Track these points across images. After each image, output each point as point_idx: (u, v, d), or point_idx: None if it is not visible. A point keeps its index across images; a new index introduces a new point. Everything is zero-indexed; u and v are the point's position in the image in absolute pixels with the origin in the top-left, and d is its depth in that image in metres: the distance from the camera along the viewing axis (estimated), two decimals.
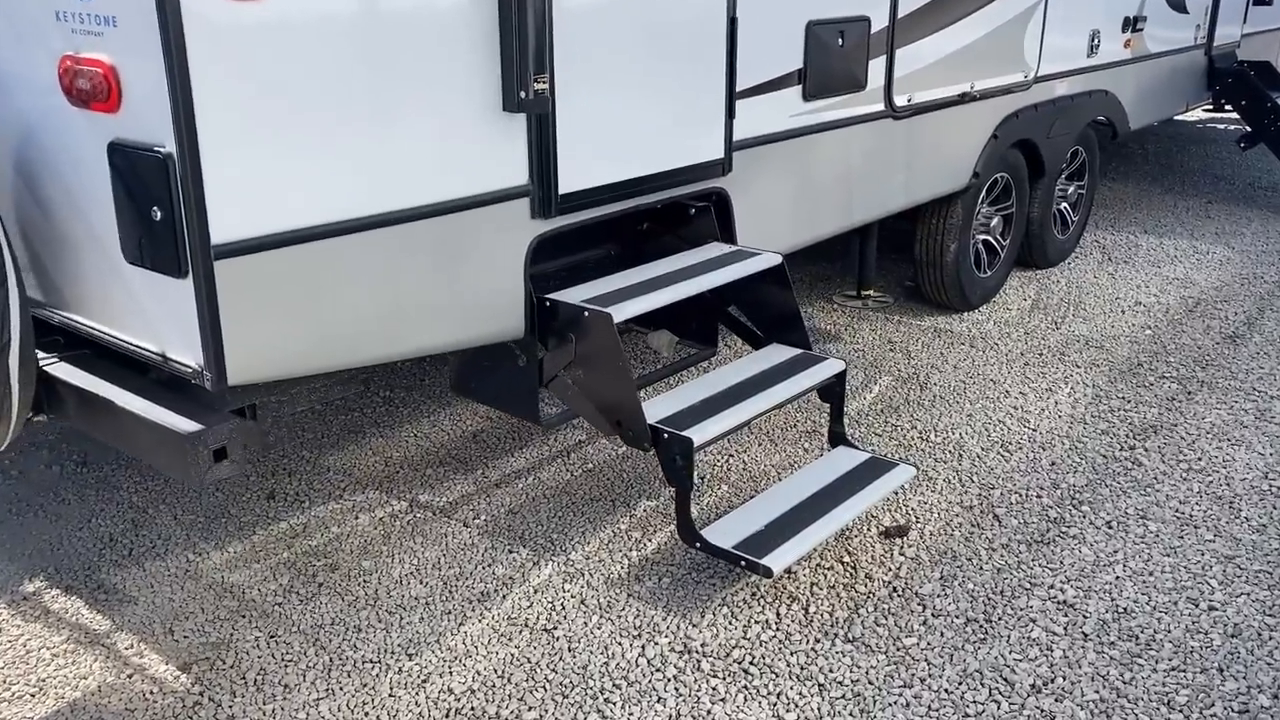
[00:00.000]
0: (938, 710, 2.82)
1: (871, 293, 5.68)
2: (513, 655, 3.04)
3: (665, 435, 3.10)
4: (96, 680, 2.95)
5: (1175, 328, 5.40)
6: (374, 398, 4.65)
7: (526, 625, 3.16)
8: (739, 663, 2.99)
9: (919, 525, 3.64)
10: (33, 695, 2.90)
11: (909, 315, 5.57)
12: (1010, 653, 3.03)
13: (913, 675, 2.95)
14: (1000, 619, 3.17)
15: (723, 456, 4.10)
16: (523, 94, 2.90)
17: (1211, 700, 2.84)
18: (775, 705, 2.84)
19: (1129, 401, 4.58)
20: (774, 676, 2.94)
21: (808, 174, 4.17)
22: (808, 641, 3.07)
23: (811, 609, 3.21)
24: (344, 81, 2.59)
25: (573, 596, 3.29)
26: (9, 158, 2.81)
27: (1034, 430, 4.33)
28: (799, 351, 3.68)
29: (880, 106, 4.45)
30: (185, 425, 2.59)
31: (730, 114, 3.66)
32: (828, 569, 3.39)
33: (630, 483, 3.92)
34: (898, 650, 3.04)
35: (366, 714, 2.83)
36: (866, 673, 2.96)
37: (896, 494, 3.79)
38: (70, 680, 2.96)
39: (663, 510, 3.71)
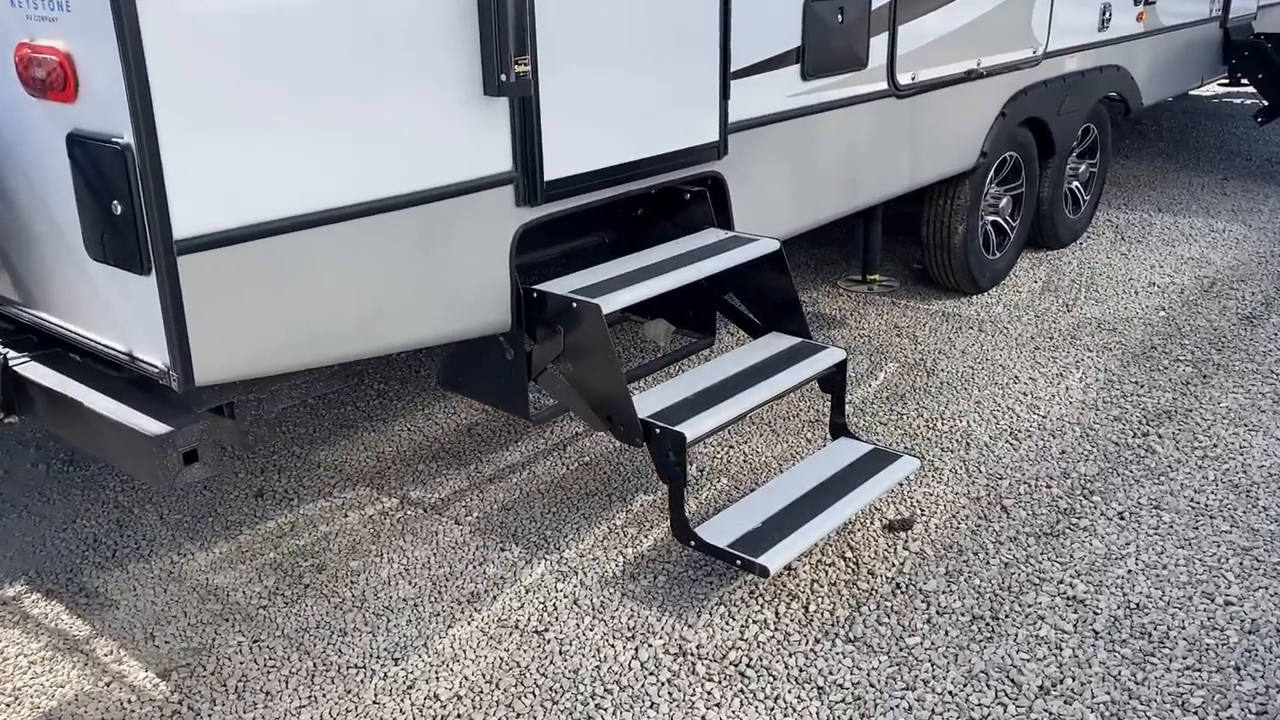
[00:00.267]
0: (941, 714, 2.71)
1: (877, 277, 5.55)
2: (501, 659, 2.94)
3: (657, 430, 2.99)
4: (74, 689, 2.87)
5: (1190, 309, 5.25)
6: (367, 391, 4.56)
7: (517, 627, 3.07)
8: (735, 665, 2.89)
9: (924, 518, 3.53)
10: (7, 705, 2.82)
11: (916, 299, 5.44)
12: (1017, 652, 2.91)
13: (915, 677, 2.84)
14: (1007, 616, 3.05)
15: (723, 448, 3.99)
16: (503, 77, 2.78)
17: (1228, 701, 2.73)
18: (772, 710, 2.74)
19: (1142, 386, 4.45)
20: (771, 679, 2.84)
21: (807, 156, 4.04)
22: (807, 642, 2.97)
23: (812, 607, 3.10)
24: (313, 66, 2.48)
25: (565, 596, 3.19)
26: None
27: (1044, 417, 4.20)
28: (798, 340, 3.56)
29: (883, 85, 4.31)
30: (153, 427, 2.49)
31: (725, 95, 3.53)
32: (829, 565, 3.28)
33: (627, 476, 3.81)
34: (900, 650, 2.93)
35: None
36: (868, 674, 2.85)
37: (901, 486, 3.68)
38: (47, 689, 2.87)
39: (660, 505, 3.60)
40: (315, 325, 2.62)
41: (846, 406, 3.70)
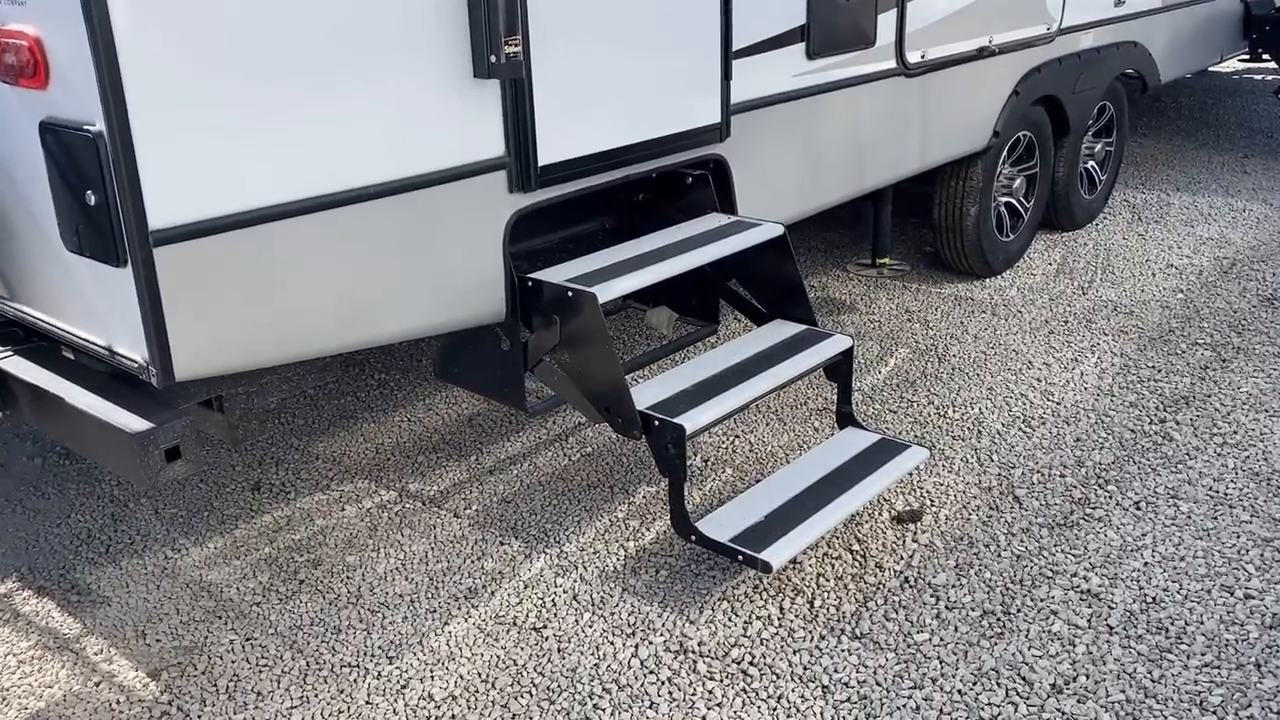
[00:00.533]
0: (950, 713, 2.63)
1: (888, 260, 5.44)
2: (498, 657, 2.87)
3: (656, 422, 2.91)
4: (62, 689, 2.82)
5: (1209, 291, 5.13)
6: (368, 381, 4.49)
7: (514, 624, 2.99)
8: (738, 663, 2.81)
9: (934, 509, 3.43)
10: None
11: (927, 283, 5.33)
12: (1029, 649, 2.82)
13: (923, 675, 2.75)
14: (1019, 611, 2.96)
15: (727, 438, 3.90)
16: (493, 58, 2.69)
17: (1248, 700, 2.63)
18: (775, 710, 2.66)
19: (1159, 371, 4.33)
20: (775, 678, 2.76)
21: (813, 138, 3.93)
22: (812, 639, 2.89)
23: (817, 602, 3.02)
24: (292, 48, 2.39)
25: (564, 592, 3.11)
26: None
27: (1058, 403, 4.09)
28: (803, 328, 3.46)
29: (891, 64, 4.19)
30: (134, 423, 2.42)
31: (727, 75, 3.43)
32: (835, 558, 3.19)
33: (630, 468, 3.73)
34: (908, 647, 2.85)
35: None
36: (874, 672, 2.76)
37: (910, 476, 3.58)
38: (35, 689, 2.82)
39: (663, 497, 3.52)
40: (300, 317, 2.55)
41: (854, 394, 3.62)
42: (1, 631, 3.04)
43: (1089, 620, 2.92)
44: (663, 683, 2.76)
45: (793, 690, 2.72)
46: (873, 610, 2.98)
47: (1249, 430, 3.85)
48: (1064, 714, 2.61)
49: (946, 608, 2.99)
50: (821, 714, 2.64)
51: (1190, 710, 2.61)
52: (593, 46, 3.01)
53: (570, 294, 2.94)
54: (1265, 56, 7.60)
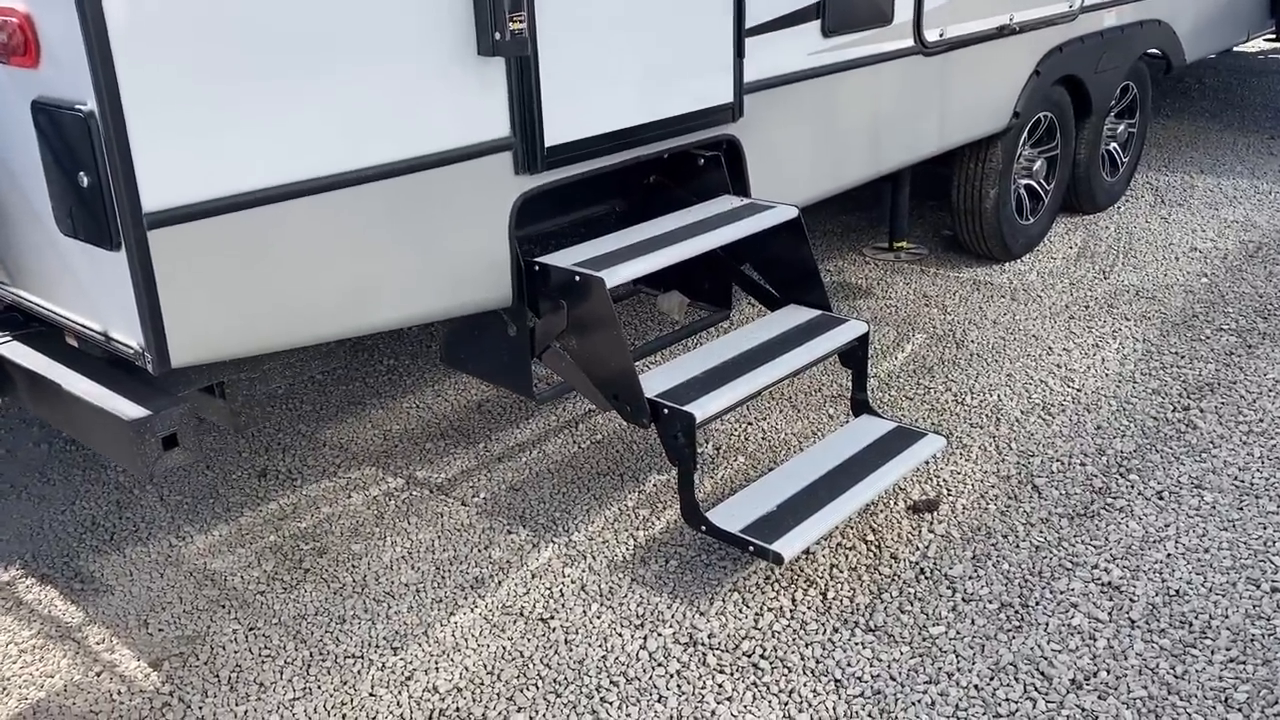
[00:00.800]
0: (966, 709, 2.56)
1: (905, 244, 5.35)
2: (504, 648, 2.81)
3: (665, 410, 2.84)
4: (63, 679, 2.78)
5: (1234, 275, 5.01)
6: (377, 366, 4.43)
7: (521, 614, 2.94)
8: (748, 656, 2.75)
9: (950, 498, 3.36)
10: None
11: (945, 267, 5.23)
12: (1048, 643, 2.75)
13: (939, 669, 2.68)
14: (1038, 604, 2.89)
15: (740, 425, 3.83)
16: (498, 35, 2.62)
17: (1275, 697, 2.55)
18: (786, 705, 2.60)
19: (1183, 357, 4.23)
20: (786, 671, 2.69)
21: (829, 118, 3.84)
22: (825, 631, 2.82)
23: (830, 594, 2.95)
24: (290, 25, 2.32)
25: (572, 582, 3.06)
26: None
27: (1078, 390, 4.00)
28: (818, 313, 3.39)
29: (909, 42, 4.10)
30: (131, 410, 2.38)
31: (740, 53, 3.34)
32: (849, 549, 3.12)
33: (640, 455, 3.67)
34: (923, 641, 2.78)
35: (344, 716, 2.63)
36: (888, 666, 2.70)
37: (926, 464, 3.50)
38: (35, 679, 2.78)
39: (673, 485, 3.46)
40: (299, 302, 2.49)
41: (870, 381, 3.55)
42: (4, 620, 3.01)
43: (1110, 614, 2.84)
44: (671, 675, 2.70)
45: (805, 684, 2.65)
46: (887, 602, 2.91)
47: (1275, 418, 3.76)
48: (1084, 710, 2.54)
49: (963, 600, 2.92)
50: (834, 709, 2.58)
51: (1215, 708, 2.53)
52: (600, 23, 2.93)
53: (578, 278, 2.87)
54: None
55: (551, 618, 2.92)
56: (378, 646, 2.85)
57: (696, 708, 2.60)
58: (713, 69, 3.30)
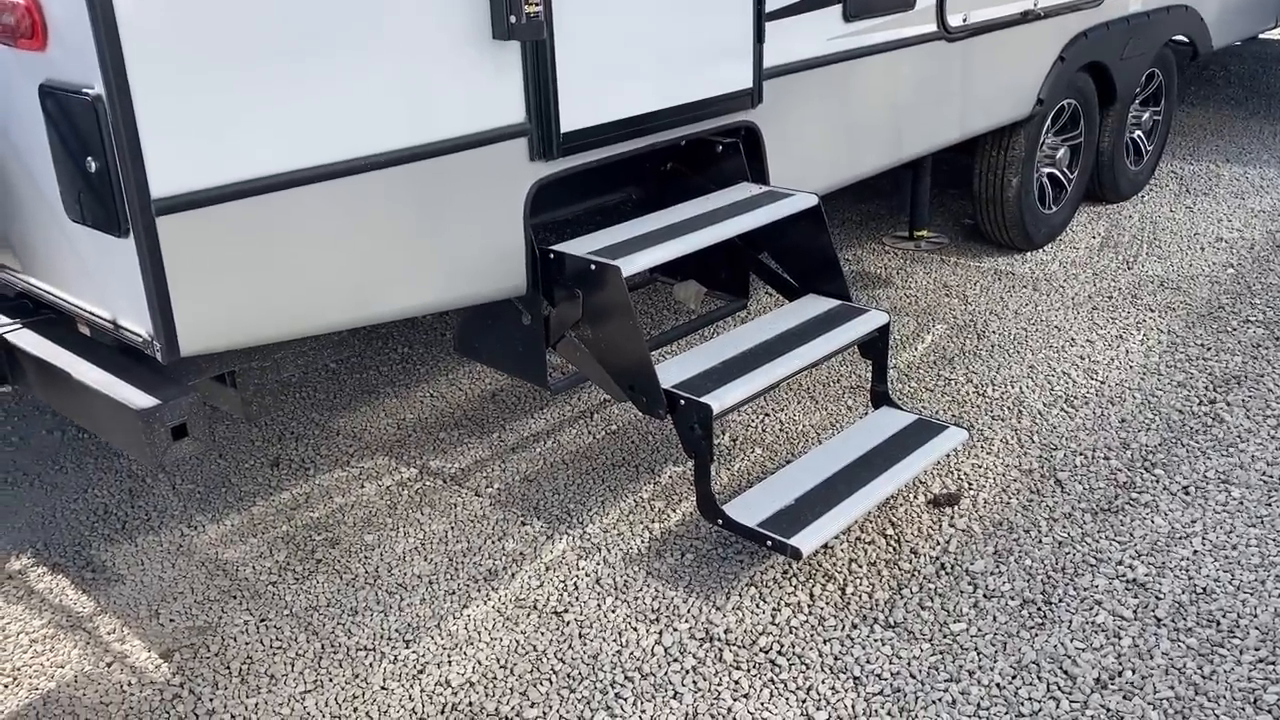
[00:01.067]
0: (988, 708, 2.51)
1: (925, 233, 5.28)
2: (518, 642, 2.78)
3: (682, 401, 2.79)
4: (73, 669, 2.76)
5: (1261, 265, 4.93)
6: (390, 355, 4.40)
7: (535, 608, 2.90)
8: (765, 652, 2.70)
9: (971, 492, 3.30)
10: (5, 686, 2.71)
11: (966, 256, 5.16)
12: (1072, 641, 2.70)
13: (960, 667, 2.63)
14: (1061, 601, 2.83)
15: (757, 416, 3.78)
16: (513, 18, 2.57)
17: None
18: (804, 702, 2.55)
19: (1209, 349, 4.16)
20: (804, 668, 2.65)
21: (849, 104, 3.78)
22: (843, 627, 2.77)
23: (849, 589, 2.90)
24: (302, 7, 2.28)
25: (587, 575, 3.02)
26: None
27: (1102, 383, 3.94)
28: (837, 303, 3.33)
29: (932, 27, 4.02)
30: (140, 399, 2.34)
31: (759, 37, 3.28)
32: (868, 543, 3.07)
33: (656, 446, 3.62)
34: (944, 638, 2.72)
35: (355, 709, 2.59)
36: (908, 664, 2.65)
37: (947, 457, 3.44)
38: (46, 669, 2.76)
39: (689, 477, 3.41)
40: (310, 290, 2.45)
41: (890, 372, 3.49)
42: (15, 609, 2.99)
43: (1135, 611, 2.78)
44: (687, 671, 2.66)
45: (823, 681, 2.61)
46: (907, 598, 2.86)
47: None
48: (1109, 710, 2.49)
49: (985, 596, 2.86)
50: (853, 707, 2.53)
51: (1244, 709, 2.47)
52: (618, 6, 2.87)
53: (594, 267, 2.82)
54: None
55: (565, 611, 2.88)
56: (390, 639, 2.82)
57: (712, 704, 2.55)
58: (732, 54, 3.24)
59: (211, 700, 2.64)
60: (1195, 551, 3.01)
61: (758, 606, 2.85)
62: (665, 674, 2.65)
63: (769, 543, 2.75)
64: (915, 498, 3.27)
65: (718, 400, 2.77)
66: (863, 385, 3.93)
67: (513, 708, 2.57)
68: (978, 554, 3.02)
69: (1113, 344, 4.23)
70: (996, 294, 4.73)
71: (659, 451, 3.59)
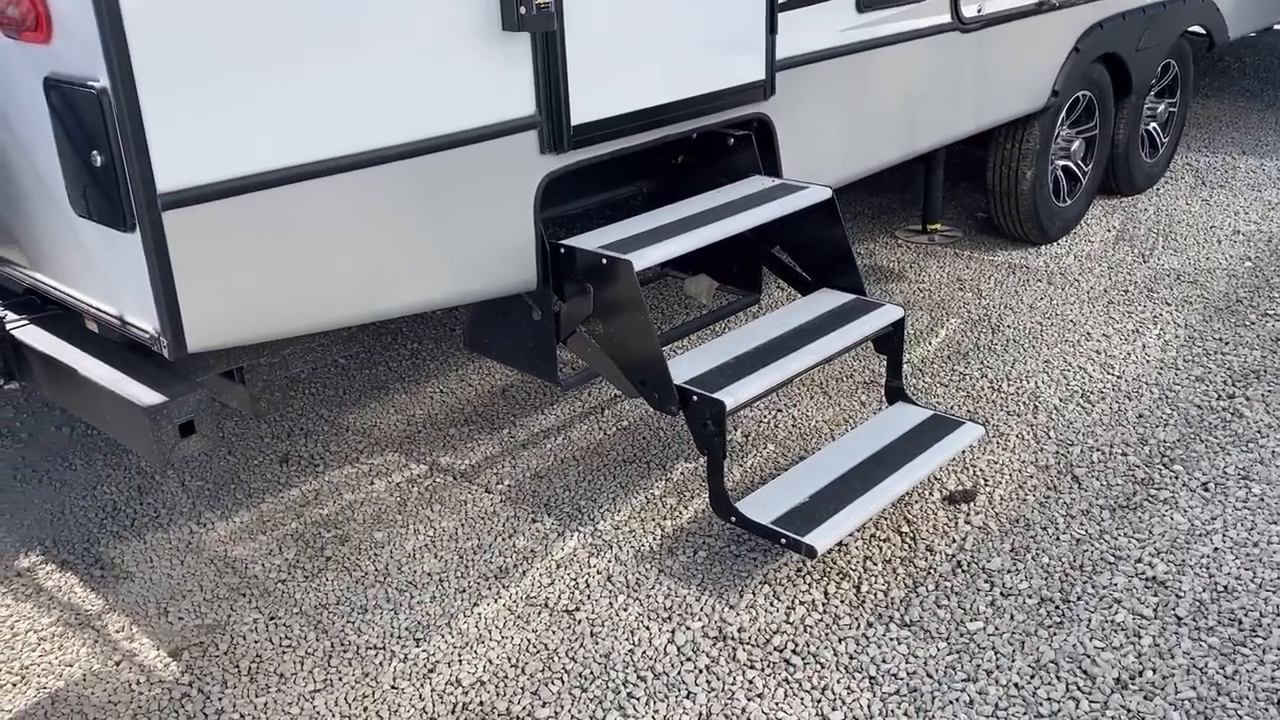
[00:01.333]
0: (1006, 709, 2.47)
1: (939, 226, 5.22)
2: (529, 641, 2.75)
3: (695, 398, 2.76)
4: (82, 668, 2.74)
5: (1279, 259, 4.87)
6: (400, 350, 4.37)
7: (546, 606, 2.87)
8: (779, 651, 2.67)
9: (988, 489, 3.26)
10: (14, 684, 2.69)
11: (980, 250, 5.11)
12: (1091, 640, 2.66)
13: (977, 667, 2.59)
14: (1079, 599, 2.79)
15: (770, 412, 3.74)
16: (523, 9, 2.53)
17: None
18: (819, 702, 2.52)
19: (1227, 343, 4.11)
20: (819, 668, 2.61)
21: (862, 96, 3.73)
22: (858, 626, 2.74)
23: (864, 587, 2.87)
24: None
25: (598, 573, 2.99)
26: None
27: (1119, 378, 3.89)
28: (851, 297, 3.29)
29: (946, 18, 3.98)
30: (147, 396, 2.32)
31: (772, 29, 3.24)
32: (883, 540, 3.03)
33: (668, 442, 3.59)
34: (961, 636, 2.69)
35: (365, 709, 2.57)
36: (925, 663, 2.61)
37: (963, 454, 3.40)
38: (54, 668, 2.74)
39: (702, 474, 3.38)
40: (319, 286, 2.42)
41: (904, 367, 3.44)
42: (24, 607, 2.97)
43: (1155, 610, 2.74)
44: (700, 671, 2.63)
45: (838, 681, 2.57)
46: (923, 596, 2.83)
47: None
48: (1129, 711, 2.45)
49: (1001, 594, 2.82)
50: (868, 707, 2.50)
51: (1267, 709, 2.43)
52: None
53: (605, 261, 2.79)
54: None
55: (577, 609, 2.85)
56: (400, 638, 2.79)
57: (726, 704, 2.52)
58: (744, 46, 3.20)
59: (220, 699, 2.62)
60: (1216, 549, 2.96)
61: (771, 605, 2.82)
62: (678, 673, 2.62)
63: (783, 540, 2.71)
64: (931, 494, 3.23)
65: (731, 396, 2.74)
66: (876, 380, 3.89)
67: (524, 707, 2.55)
68: (994, 551, 2.98)
69: (1129, 338, 4.18)
70: (1011, 288, 4.68)
71: (670, 448, 3.56)
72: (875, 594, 2.84)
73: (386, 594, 2.95)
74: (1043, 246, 5.11)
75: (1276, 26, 7.44)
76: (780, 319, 3.19)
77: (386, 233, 2.49)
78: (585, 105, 2.79)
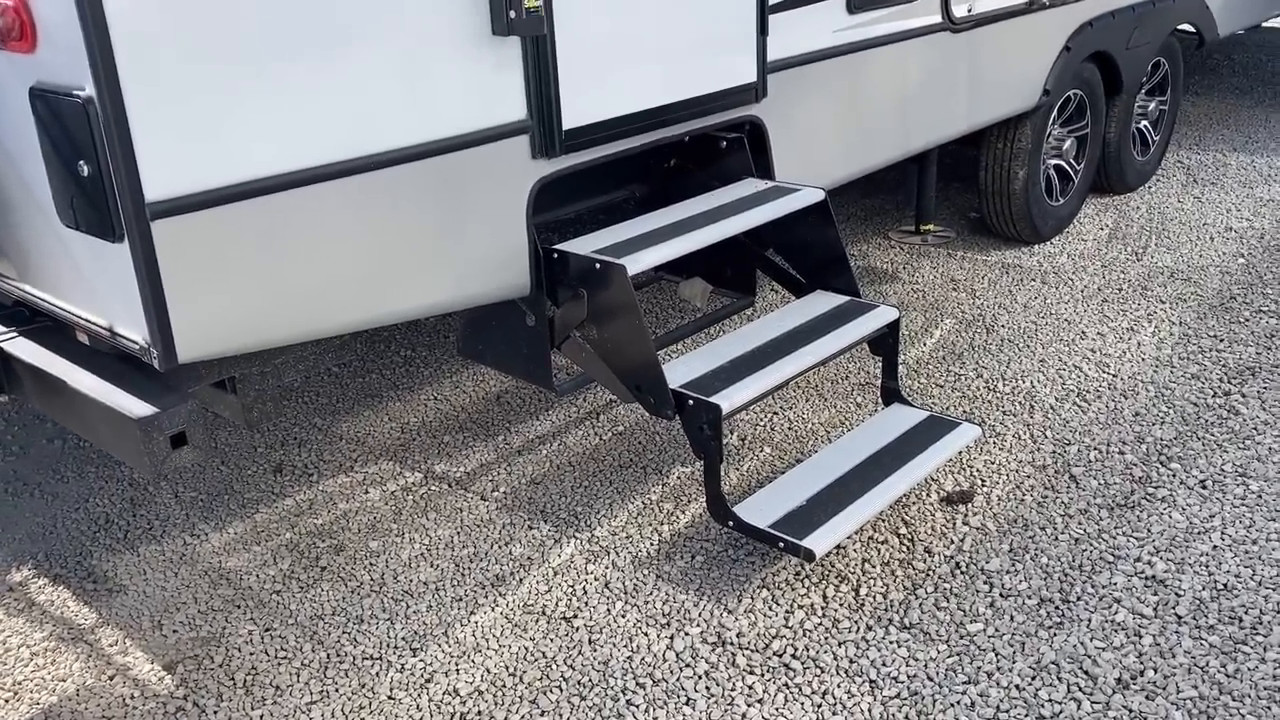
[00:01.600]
0: (1008, 710, 2.46)
1: (932, 227, 5.22)
2: (526, 649, 2.73)
3: (690, 402, 2.74)
4: (75, 683, 2.71)
5: (1272, 255, 4.87)
6: (392, 358, 4.35)
7: (544, 613, 2.85)
8: (779, 655, 2.65)
9: (985, 489, 3.25)
10: (6, 700, 2.67)
11: (973, 250, 5.10)
12: (1092, 640, 2.64)
13: (978, 669, 2.58)
14: (1079, 599, 2.78)
15: (765, 415, 3.72)
16: (513, 13, 2.52)
17: None
18: (820, 707, 2.50)
19: (1222, 340, 4.10)
20: (819, 672, 2.60)
21: (855, 98, 3.73)
22: (858, 629, 2.72)
23: (863, 590, 2.85)
24: (298, 4, 2.22)
25: (596, 579, 2.97)
26: None
27: (1114, 376, 3.88)
28: (846, 299, 3.28)
29: (937, 18, 3.97)
30: (138, 408, 2.29)
31: (763, 30, 3.23)
32: (881, 543, 3.02)
33: (664, 447, 3.57)
34: (961, 639, 2.67)
35: (362, 719, 2.55)
36: (925, 666, 2.60)
37: (959, 454, 3.39)
38: (47, 683, 2.72)
39: (699, 478, 3.36)
40: (310, 294, 2.40)
41: (900, 368, 3.43)
42: (16, 622, 2.94)
43: (1155, 609, 2.73)
44: (700, 677, 2.61)
45: (838, 685, 2.56)
46: (922, 599, 2.81)
47: None
48: (1131, 711, 2.43)
49: (1001, 596, 2.81)
50: (869, 711, 2.48)
51: (1269, 708, 2.42)
52: (619, 0, 2.82)
53: (598, 266, 2.77)
54: None
55: (575, 616, 2.83)
56: (396, 647, 2.77)
57: (726, 710, 2.50)
58: (735, 47, 3.18)
59: (216, 713, 2.59)
60: (1215, 546, 2.95)
61: (770, 609, 2.80)
62: (678, 679, 2.60)
63: (781, 544, 2.70)
64: (928, 496, 3.22)
65: (727, 400, 2.72)
66: (871, 382, 3.87)
67: (523, 716, 2.53)
68: (993, 552, 2.97)
69: (1124, 336, 4.17)
70: (1005, 287, 4.68)
71: (667, 452, 3.54)
72: (874, 597, 2.83)
73: (383, 604, 2.93)
74: (1036, 246, 5.11)
75: (1265, 24, 7.47)
76: (775, 322, 3.18)
77: (377, 240, 2.47)
78: (576, 109, 2.77)
